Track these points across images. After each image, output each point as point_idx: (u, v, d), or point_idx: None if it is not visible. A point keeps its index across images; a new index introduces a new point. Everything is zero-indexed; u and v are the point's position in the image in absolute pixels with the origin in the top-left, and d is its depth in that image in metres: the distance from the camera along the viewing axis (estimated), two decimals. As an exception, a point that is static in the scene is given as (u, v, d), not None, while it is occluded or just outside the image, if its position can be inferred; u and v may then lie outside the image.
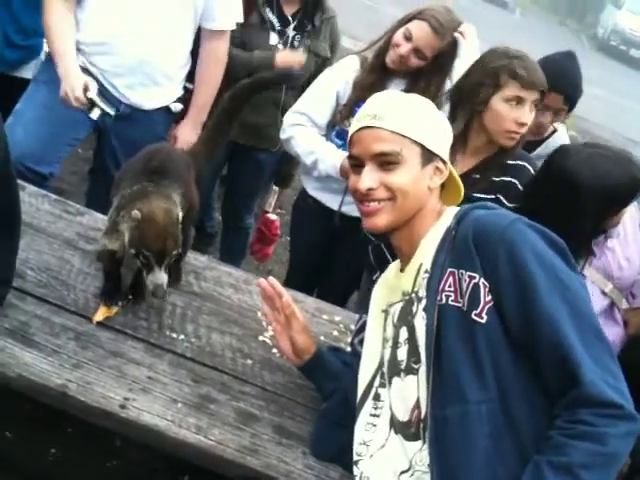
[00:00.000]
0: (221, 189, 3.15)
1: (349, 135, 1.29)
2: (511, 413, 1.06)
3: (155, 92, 2.09)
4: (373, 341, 1.32)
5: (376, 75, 2.16)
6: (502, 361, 1.08)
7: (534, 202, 1.73)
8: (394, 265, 1.37)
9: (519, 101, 1.77)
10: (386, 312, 1.31)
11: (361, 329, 1.43)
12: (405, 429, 1.18)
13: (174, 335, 1.51)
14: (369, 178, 1.23)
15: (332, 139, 2.23)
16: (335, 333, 1.70)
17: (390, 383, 1.24)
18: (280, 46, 2.50)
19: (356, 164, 1.27)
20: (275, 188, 2.93)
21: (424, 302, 1.18)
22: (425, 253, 1.22)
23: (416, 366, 1.18)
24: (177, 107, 2.19)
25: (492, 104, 1.78)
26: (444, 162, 1.27)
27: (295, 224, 2.55)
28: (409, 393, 1.18)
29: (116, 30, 1.97)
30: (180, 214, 1.39)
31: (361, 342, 1.38)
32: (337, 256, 2.45)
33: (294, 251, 2.57)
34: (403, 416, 1.19)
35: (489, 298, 1.10)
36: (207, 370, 1.45)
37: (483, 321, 1.10)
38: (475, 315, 1.11)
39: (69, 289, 1.51)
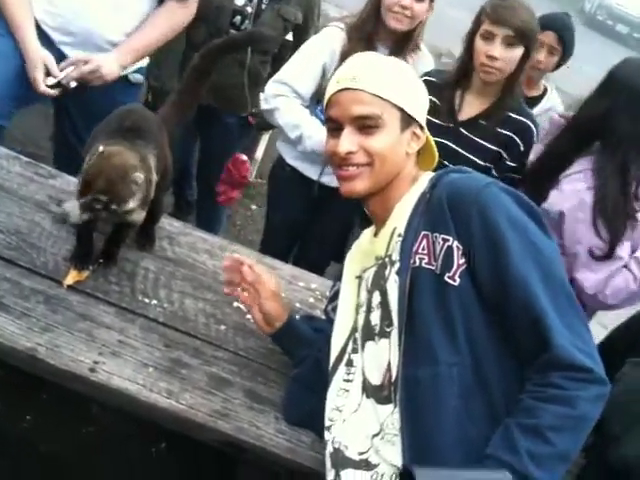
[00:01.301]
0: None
1: (326, 96, 1.26)
2: (482, 375, 1.06)
3: None
4: (346, 307, 1.31)
5: (363, 45, 2.13)
6: (474, 324, 1.08)
7: (597, 115, 1.84)
8: (368, 231, 1.35)
9: (489, 36, 1.94)
10: (360, 278, 1.30)
11: (335, 297, 1.42)
12: (377, 393, 1.18)
13: (146, 300, 1.49)
14: (348, 141, 1.20)
15: (317, 114, 2.20)
16: (311, 300, 1.70)
17: (363, 348, 1.23)
18: (248, 8, 2.44)
19: (334, 127, 1.24)
20: (265, 136, 2.85)
21: (397, 265, 1.17)
22: (399, 217, 1.21)
23: (388, 329, 1.17)
24: (136, 77, 2.13)
25: (474, 41, 1.98)
26: (421, 128, 1.25)
27: (272, 192, 2.53)
28: (382, 357, 1.18)
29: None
30: (139, 175, 1.34)
31: (334, 309, 1.37)
32: (315, 226, 2.44)
33: (270, 219, 2.55)
34: (376, 380, 1.19)
35: (462, 261, 1.10)
36: (180, 335, 1.44)
37: (456, 284, 1.09)
38: (448, 278, 1.10)
39: (39, 252, 1.49)
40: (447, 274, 1.10)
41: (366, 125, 1.20)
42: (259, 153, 3.56)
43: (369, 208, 1.29)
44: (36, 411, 1.85)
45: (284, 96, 2.16)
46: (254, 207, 3.64)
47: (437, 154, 1.32)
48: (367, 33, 2.10)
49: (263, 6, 2.46)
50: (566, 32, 2.50)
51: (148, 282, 1.54)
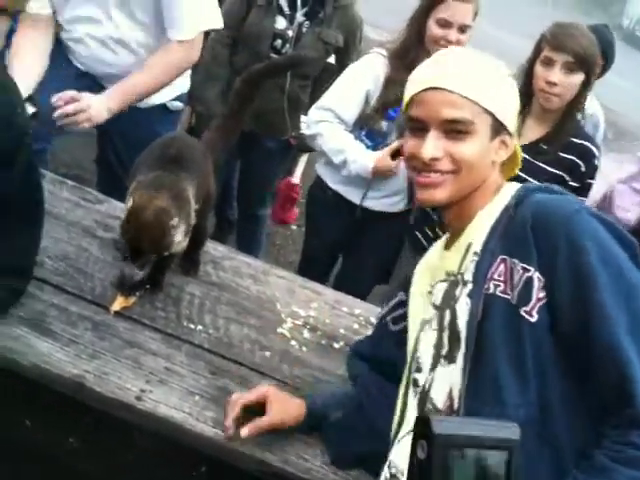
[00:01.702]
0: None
1: (409, 93, 1.15)
2: (550, 422, 0.98)
3: None
4: (412, 325, 1.23)
5: (407, 72, 2.12)
6: (547, 365, 0.99)
7: None
8: (438, 245, 1.27)
9: (548, 62, 2.00)
10: (430, 294, 1.20)
11: (397, 307, 1.33)
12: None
13: (192, 326, 1.48)
14: (434, 146, 1.09)
15: (362, 138, 2.20)
16: (355, 326, 1.67)
17: (434, 368, 1.14)
18: (289, 32, 2.45)
19: (417, 127, 1.12)
20: (303, 157, 2.87)
21: (469, 287, 1.08)
22: (476, 231, 1.13)
23: (456, 354, 1.09)
24: (175, 105, 2.14)
25: (535, 67, 2.04)
26: (511, 135, 1.16)
27: (312, 215, 2.53)
28: (448, 381, 1.10)
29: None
30: (177, 220, 1.36)
31: (394, 321, 1.31)
32: (355, 249, 2.42)
33: (309, 242, 2.55)
34: (440, 404, 1.11)
35: (542, 295, 1.01)
36: (225, 362, 1.43)
37: (533, 320, 1.00)
38: (525, 312, 1.01)
39: (87, 278, 1.49)
40: (524, 307, 1.01)
41: (455, 130, 1.10)
42: (298, 173, 3.56)
43: (446, 217, 1.21)
44: (79, 434, 1.85)
45: (327, 122, 2.16)
46: (294, 227, 3.63)
47: (520, 163, 1.25)
48: (410, 60, 2.09)
49: (304, 29, 2.47)
50: (606, 44, 2.50)
51: (193, 308, 1.54)
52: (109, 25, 1.90)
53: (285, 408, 1.25)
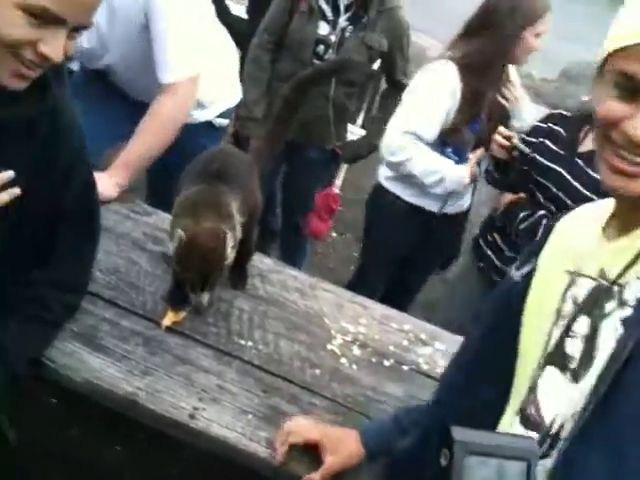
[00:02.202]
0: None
1: (623, 42, 0.83)
2: None
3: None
4: (544, 308, 0.97)
5: (489, 85, 2.19)
6: None
7: None
8: (591, 225, 0.97)
9: None
10: (572, 276, 0.95)
11: (525, 261, 1.06)
12: (535, 429, 0.94)
13: (242, 341, 1.47)
14: None
15: (448, 155, 2.21)
16: (405, 343, 1.63)
17: (543, 368, 0.95)
18: (332, 37, 2.43)
19: (630, 88, 0.82)
20: (343, 166, 2.87)
21: (628, 311, 0.85)
22: None
23: (582, 375, 0.89)
24: (221, 122, 2.14)
25: None
26: None
27: (378, 229, 2.52)
28: (559, 397, 0.91)
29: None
30: (229, 234, 1.37)
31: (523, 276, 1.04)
32: (419, 254, 2.51)
33: (371, 255, 2.56)
34: (539, 416, 0.94)
35: None
36: (276, 379, 1.41)
37: None
38: None
39: (137, 291, 1.49)
40: None
41: None
42: (338, 181, 3.54)
43: (617, 204, 0.94)
44: (126, 444, 1.86)
45: (412, 145, 2.17)
46: (335, 235, 3.61)
47: None
48: (494, 74, 2.13)
49: (347, 34, 2.44)
50: None
51: (243, 323, 1.52)
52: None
53: (341, 452, 1.22)
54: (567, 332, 0.93)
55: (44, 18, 0.96)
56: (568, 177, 2.00)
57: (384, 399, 1.43)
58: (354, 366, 1.50)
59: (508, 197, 2.20)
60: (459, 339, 1.70)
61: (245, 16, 3.32)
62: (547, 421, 0.92)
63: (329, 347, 1.54)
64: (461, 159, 2.26)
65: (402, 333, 1.68)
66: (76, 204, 1.22)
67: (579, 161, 1.99)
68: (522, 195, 2.14)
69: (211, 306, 1.51)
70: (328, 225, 2.82)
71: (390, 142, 2.22)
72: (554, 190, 2.04)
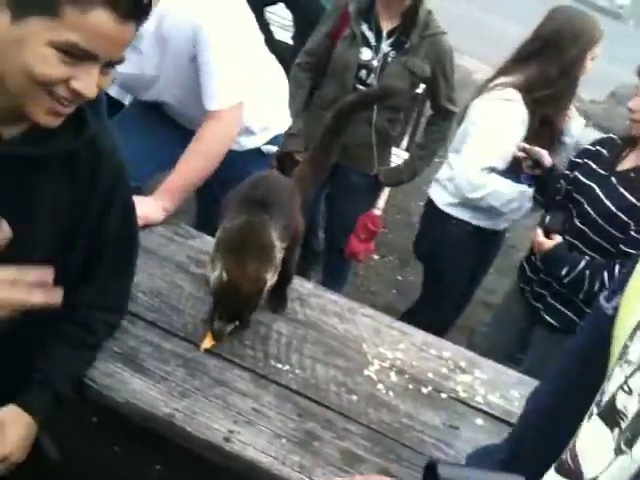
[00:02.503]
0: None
1: None
2: None
3: (237, 139, 2.03)
4: (615, 346, 0.84)
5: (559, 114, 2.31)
6: None
7: None
8: None
9: (636, 91, 1.99)
10: None
11: (616, 291, 0.91)
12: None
13: (279, 365, 1.48)
14: None
15: (522, 181, 2.29)
16: (444, 370, 1.62)
17: (589, 418, 0.82)
18: (374, 62, 2.46)
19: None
20: (386, 188, 2.90)
21: None
22: None
23: (623, 449, 0.74)
24: (268, 149, 2.17)
25: None
26: None
27: (450, 255, 2.55)
28: (604, 456, 0.76)
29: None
30: (268, 277, 1.43)
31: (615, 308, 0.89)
32: (481, 271, 2.71)
33: (448, 281, 2.62)
34: (578, 470, 0.79)
35: None
36: (312, 404, 1.41)
37: None
38: None
39: (179, 314, 1.52)
40: None
41: None
42: (381, 203, 3.54)
43: None
44: (165, 463, 1.89)
45: (491, 180, 2.26)
46: (376, 257, 3.61)
47: None
48: (565, 103, 2.23)
49: (389, 59, 2.46)
50: None
51: (281, 346, 1.54)
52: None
53: None
54: (623, 384, 0.76)
55: (76, 55, 0.97)
56: (599, 193, 2.02)
57: (420, 427, 1.42)
58: (391, 392, 1.50)
59: (541, 239, 2.16)
60: (499, 367, 1.69)
61: (290, 42, 3.38)
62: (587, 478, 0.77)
63: (366, 373, 1.54)
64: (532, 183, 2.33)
65: (441, 360, 1.66)
66: (116, 228, 1.25)
67: (613, 179, 2.02)
68: (557, 240, 2.12)
69: (247, 328, 1.54)
70: (367, 247, 2.82)
71: (469, 180, 2.29)
72: (585, 205, 2.06)
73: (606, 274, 2.00)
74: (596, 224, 2.03)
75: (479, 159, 2.26)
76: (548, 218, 2.16)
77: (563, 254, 2.09)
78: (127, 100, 2.36)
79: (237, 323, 1.45)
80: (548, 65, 2.20)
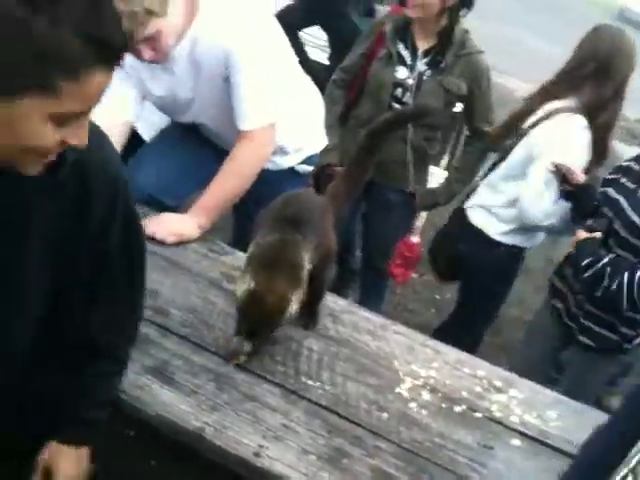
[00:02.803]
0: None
1: None
2: None
3: (272, 158, 2.04)
4: None
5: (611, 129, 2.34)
6: None
7: None
8: None
9: None
10: None
11: None
12: None
13: (310, 382, 1.48)
14: None
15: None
16: (478, 389, 1.59)
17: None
18: (409, 81, 2.46)
19: None
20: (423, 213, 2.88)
21: None
22: None
23: None
24: (304, 169, 2.19)
25: None
26: None
27: (505, 281, 2.62)
28: None
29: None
30: (293, 299, 1.43)
31: None
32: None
33: (493, 303, 2.67)
34: None
35: None
36: (341, 421, 1.40)
37: None
38: None
39: (209, 328, 1.54)
40: None
41: None
42: (420, 223, 3.52)
43: None
44: (198, 477, 1.88)
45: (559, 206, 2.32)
46: (414, 275, 3.58)
47: None
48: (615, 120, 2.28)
49: (425, 78, 2.46)
50: None
51: (312, 363, 1.53)
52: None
53: None
54: None
55: (73, 118, 0.92)
56: (625, 206, 2.01)
57: (452, 446, 1.40)
58: (423, 411, 1.47)
59: (582, 235, 2.15)
60: (536, 387, 1.65)
61: (325, 62, 3.41)
62: None
63: (397, 390, 1.52)
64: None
65: (475, 379, 1.63)
66: (120, 237, 1.16)
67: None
68: (595, 234, 2.10)
69: (266, 344, 1.53)
70: (405, 273, 2.83)
71: (545, 211, 2.30)
72: (612, 218, 2.05)
73: (627, 275, 1.98)
74: (621, 236, 2.02)
75: (552, 189, 2.26)
76: (592, 221, 2.14)
77: (593, 247, 2.08)
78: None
79: (256, 342, 1.45)
80: (603, 87, 2.21)
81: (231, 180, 1.86)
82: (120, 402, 1.33)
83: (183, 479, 1.80)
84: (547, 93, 2.33)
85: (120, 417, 1.38)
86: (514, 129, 2.42)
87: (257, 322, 1.43)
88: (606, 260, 2.02)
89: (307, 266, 1.47)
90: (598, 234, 2.09)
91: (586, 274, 2.06)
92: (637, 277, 1.98)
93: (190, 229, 1.82)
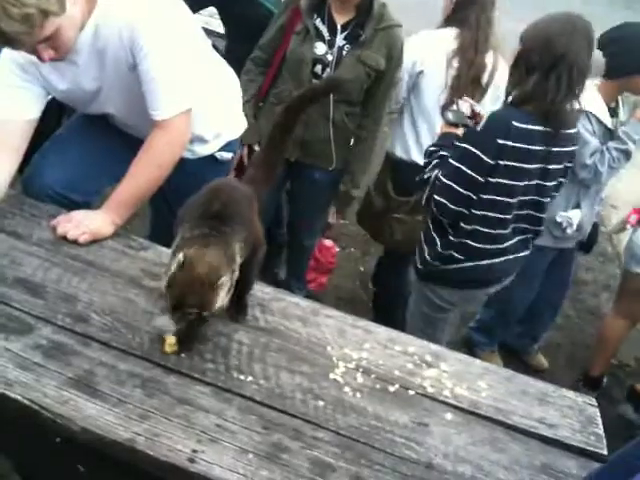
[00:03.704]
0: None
1: None
2: None
3: (190, 147, 2.00)
4: None
5: None
6: None
7: None
8: None
9: None
10: None
11: None
12: None
13: (242, 377, 1.44)
14: None
15: None
16: (409, 366, 1.60)
17: None
18: (329, 56, 2.42)
19: None
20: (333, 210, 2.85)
21: None
22: None
23: None
24: (224, 156, 2.12)
25: None
26: None
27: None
28: None
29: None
30: (225, 279, 1.36)
31: None
32: None
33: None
34: None
35: None
36: (277, 415, 1.38)
37: None
38: None
39: (134, 332, 1.47)
40: None
41: None
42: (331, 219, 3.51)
43: None
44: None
45: None
46: (337, 250, 3.58)
47: None
48: None
49: (344, 52, 2.43)
50: None
51: (242, 357, 1.50)
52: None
53: None
54: None
55: None
56: None
57: (389, 428, 1.40)
58: (358, 394, 1.47)
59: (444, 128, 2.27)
60: (465, 358, 1.68)
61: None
62: None
63: (332, 376, 1.51)
64: None
65: (407, 356, 1.64)
66: None
67: None
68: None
69: (203, 339, 1.49)
70: (318, 278, 2.90)
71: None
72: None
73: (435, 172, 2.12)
74: None
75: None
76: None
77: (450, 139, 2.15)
78: None
79: (184, 325, 1.37)
80: None
81: (146, 171, 1.78)
82: (42, 419, 1.26)
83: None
84: None
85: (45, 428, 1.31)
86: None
87: (187, 299, 1.33)
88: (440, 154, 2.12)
89: (238, 259, 1.42)
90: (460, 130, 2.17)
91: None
92: (435, 174, 2.07)
93: (104, 226, 1.73)
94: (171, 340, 1.44)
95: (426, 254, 2.18)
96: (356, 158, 2.62)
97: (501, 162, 2.00)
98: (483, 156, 1.99)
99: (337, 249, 3.18)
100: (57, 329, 1.44)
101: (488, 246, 2.12)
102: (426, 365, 1.60)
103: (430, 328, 2.28)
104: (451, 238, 2.12)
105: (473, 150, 2.00)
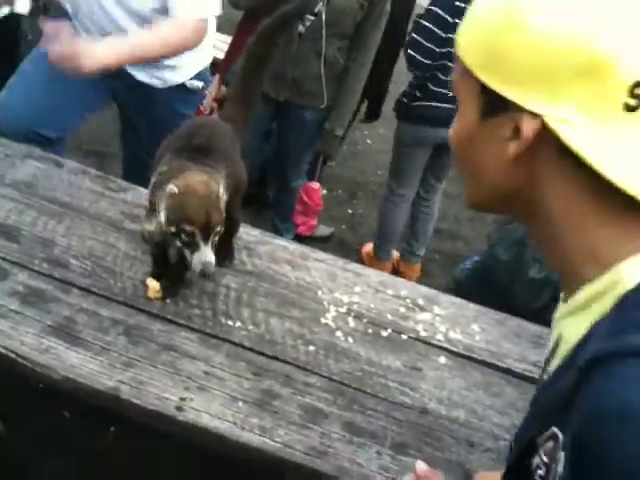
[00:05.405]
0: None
1: None
2: None
3: (160, 75, 1.93)
4: None
5: None
6: None
7: None
8: None
9: None
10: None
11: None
12: None
13: (230, 322, 1.39)
14: None
15: None
16: (402, 310, 1.56)
17: None
18: None
19: None
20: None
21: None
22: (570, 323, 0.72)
23: None
24: (194, 84, 2.04)
25: None
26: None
27: None
28: None
29: None
30: (222, 192, 1.26)
31: None
32: None
33: None
34: None
35: None
36: (267, 361, 1.34)
37: None
38: None
39: (116, 277, 1.41)
40: None
41: None
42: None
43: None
44: (120, 424, 1.80)
45: None
46: (324, 192, 3.52)
47: None
48: None
49: None
50: None
51: (230, 302, 1.44)
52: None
53: None
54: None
55: None
56: None
57: (382, 373, 1.37)
58: (350, 339, 1.43)
59: None
60: (458, 301, 1.64)
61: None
62: None
63: (323, 321, 1.46)
64: None
65: (399, 299, 1.60)
66: None
67: None
68: None
69: (189, 285, 1.42)
70: (307, 221, 2.82)
71: None
72: None
73: None
74: None
75: None
76: None
77: None
78: None
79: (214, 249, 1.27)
80: None
81: (154, 41, 1.75)
82: (21, 367, 1.21)
83: (101, 433, 1.72)
84: None
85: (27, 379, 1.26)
86: None
87: (201, 216, 1.21)
88: None
89: (223, 197, 1.34)
90: None
91: None
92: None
93: (92, 62, 1.63)
94: (155, 285, 1.39)
95: (401, 95, 2.77)
96: (343, 91, 2.53)
97: (458, 20, 2.27)
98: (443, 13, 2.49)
99: (324, 191, 3.12)
100: (34, 275, 1.37)
101: (444, 90, 2.62)
102: (419, 309, 1.56)
103: (401, 160, 2.91)
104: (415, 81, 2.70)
105: (436, 10, 2.51)
